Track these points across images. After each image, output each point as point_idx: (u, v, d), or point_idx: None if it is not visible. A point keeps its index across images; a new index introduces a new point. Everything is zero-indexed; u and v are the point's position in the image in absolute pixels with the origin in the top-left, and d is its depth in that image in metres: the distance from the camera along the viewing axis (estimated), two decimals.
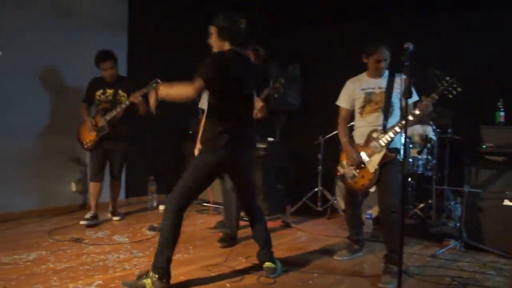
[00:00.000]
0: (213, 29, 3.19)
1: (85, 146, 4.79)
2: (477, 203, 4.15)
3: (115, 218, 5.01)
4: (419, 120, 3.50)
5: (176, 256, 3.73)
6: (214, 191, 5.47)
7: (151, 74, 4.33)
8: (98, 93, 4.76)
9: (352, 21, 5.84)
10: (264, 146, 5.44)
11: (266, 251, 3.46)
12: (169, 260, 3.05)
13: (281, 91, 3.85)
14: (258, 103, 3.89)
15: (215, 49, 3.21)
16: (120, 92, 4.76)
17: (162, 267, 3.02)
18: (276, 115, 6.32)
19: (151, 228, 4.56)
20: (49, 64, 4.98)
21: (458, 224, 4.50)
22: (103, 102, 4.76)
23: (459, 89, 3.25)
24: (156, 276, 2.99)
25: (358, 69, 3.79)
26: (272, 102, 4.18)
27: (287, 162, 5.73)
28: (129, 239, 4.26)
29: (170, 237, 3.06)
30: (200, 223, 4.97)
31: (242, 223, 4.35)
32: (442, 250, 4.06)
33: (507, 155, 4.14)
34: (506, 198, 3.98)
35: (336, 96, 3.90)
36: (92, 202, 4.83)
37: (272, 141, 5.61)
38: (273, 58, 6.48)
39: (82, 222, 4.62)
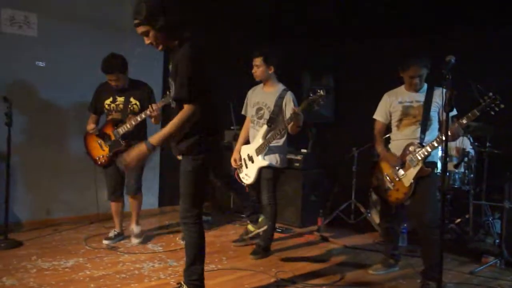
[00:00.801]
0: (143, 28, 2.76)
1: (98, 162, 4.37)
2: None
3: (135, 240, 4.44)
4: (452, 139, 3.41)
5: (210, 267, 3.76)
6: None
7: None
8: (108, 101, 4.32)
9: (387, 33, 5.78)
10: (298, 158, 5.44)
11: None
12: (202, 271, 3.03)
13: (321, 103, 3.78)
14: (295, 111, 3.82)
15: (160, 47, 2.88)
16: (132, 99, 4.30)
17: (196, 279, 3.00)
18: (308, 127, 6.30)
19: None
20: (88, 75, 5.07)
21: (497, 241, 4.37)
22: (113, 111, 4.32)
23: (502, 106, 3.14)
24: None
25: (393, 81, 3.76)
26: (310, 114, 4.11)
27: (320, 174, 5.70)
28: (163, 248, 4.31)
29: (198, 249, 3.00)
30: (233, 234, 4.97)
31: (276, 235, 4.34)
32: (481, 267, 3.95)
33: None
34: None
35: (370, 108, 3.88)
36: (115, 220, 4.54)
37: (305, 152, 5.59)
38: (306, 69, 6.49)
39: (105, 242, 4.33)
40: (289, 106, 3.98)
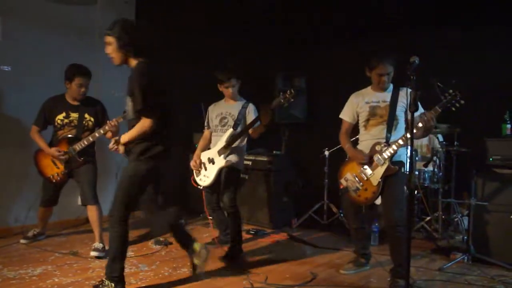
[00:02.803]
0: (110, 39, 3.14)
1: (54, 180, 4.26)
2: (484, 216, 4.12)
3: (93, 253, 4.09)
4: (423, 134, 3.48)
5: (182, 270, 3.74)
6: None
7: None
8: (60, 117, 4.19)
9: (358, 34, 5.85)
10: (269, 159, 5.44)
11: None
12: (122, 269, 3.15)
13: (290, 100, 3.84)
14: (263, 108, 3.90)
15: (117, 60, 3.21)
16: (86, 115, 4.23)
17: (116, 276, 3.12)
18: (281, 128, 6.33)
19: (157, 242, 4.54)
20: (57, 81, 4.99)
21: (465, 237, 4.46)
22: (65, 126, 4.21)
23: (462, 102, 3.23)
24: (112, 284, 3.10)
25: (364, 82, 3.80)
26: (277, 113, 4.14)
27: (293, 175, 5.72)
28: (135, 253, 4.25)
29: (119, 247, 3.13)
30: (206, 237, 4.95)
31: (246, 236, 4.32)
32: (450, 263, 4.02)
33: None
34: None
35: (341, 109, 3.91)
36: (40, 224, 4.54)
37: (277, 154, 5.61)
38: (279, 70, 6.51)
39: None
40: (250, 115, 4.12)
